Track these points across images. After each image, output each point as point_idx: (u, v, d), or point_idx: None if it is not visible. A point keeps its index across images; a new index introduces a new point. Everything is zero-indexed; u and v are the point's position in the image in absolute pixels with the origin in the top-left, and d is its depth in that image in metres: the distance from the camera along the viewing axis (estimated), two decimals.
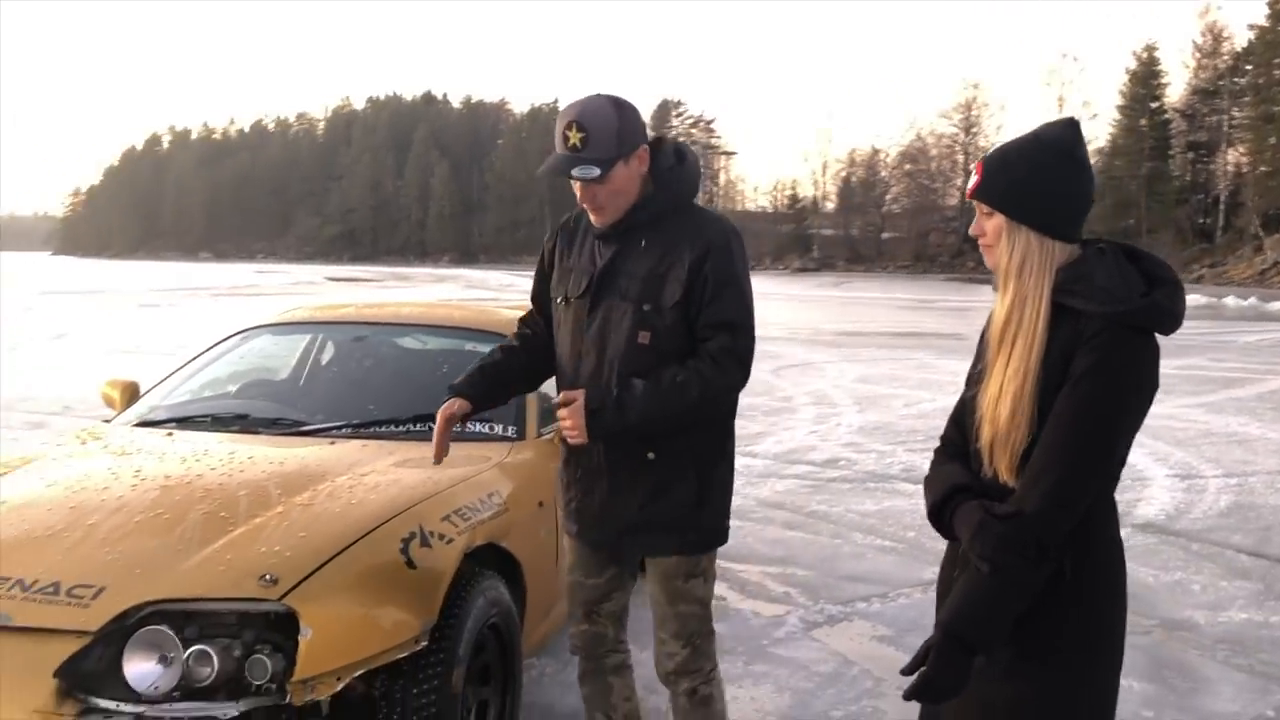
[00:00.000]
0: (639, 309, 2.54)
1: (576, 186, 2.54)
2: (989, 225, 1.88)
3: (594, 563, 2.77)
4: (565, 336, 2.67)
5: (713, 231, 2.58)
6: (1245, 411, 10.68)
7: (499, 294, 35.76)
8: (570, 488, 2.70)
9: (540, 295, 2.82)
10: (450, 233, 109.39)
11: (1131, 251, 1.88)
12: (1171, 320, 1.81)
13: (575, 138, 2.48)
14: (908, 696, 1.82)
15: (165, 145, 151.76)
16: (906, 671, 1.83)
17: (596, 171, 2.48)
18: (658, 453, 2.56)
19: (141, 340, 17.51)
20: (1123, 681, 3.81)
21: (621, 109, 2.53)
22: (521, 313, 4.41)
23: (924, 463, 7.33)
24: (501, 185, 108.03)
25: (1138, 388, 1.79)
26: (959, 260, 66.13)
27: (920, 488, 5.85)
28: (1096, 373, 1.75)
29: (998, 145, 1.98)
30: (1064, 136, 1.88)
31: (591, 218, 2.60)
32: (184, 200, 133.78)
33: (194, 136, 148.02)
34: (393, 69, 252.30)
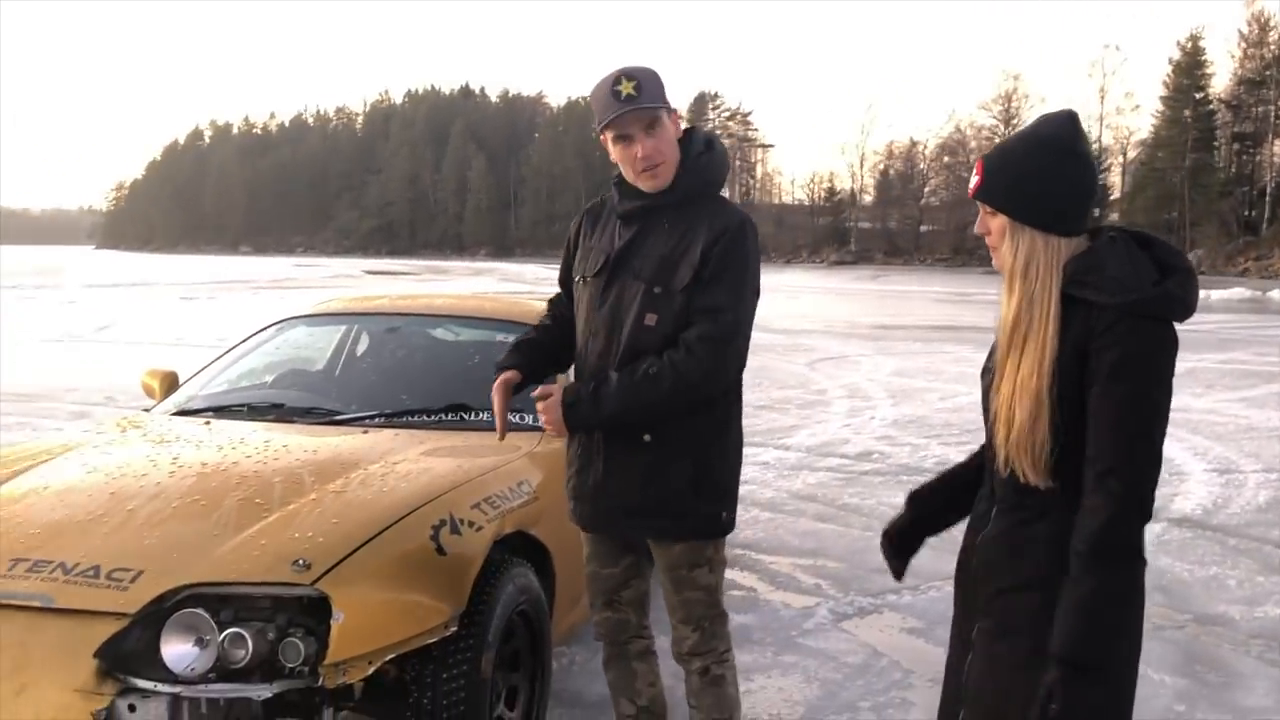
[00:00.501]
0: (649, 290, 2.56)
1: (635, 143, 2.54)
2: (993, 225, 1.89)
3: (609, 552, 2.80)
4: (581, 315, 2.71)
5: (729, 219, 2.60)
6: None
7: (534, 287, 35.89)
8: (570, 465, 2.74)
9: (566, 278, 2.86)
10: (487, 226, 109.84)
11: (1143, 238, 1.87)
12: (1184, 308, 1.80)
13: (628, 87, 2.52)
14: None
15: (206, 139, 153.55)
16: (1039, 715, 1.76)
17: (657, 107, 2.53)
18: (654, 436, 2.57)
19: (183, 332, 17.75)
20: (1154, 675, 3.83)
21: (654, 70, 2.60)
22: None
23: (958, 456, 7.28)
24: (538, 179, 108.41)
25: (1168, 375, 1.79)
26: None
27: None
28: (1127, 368, 1.74)
29: (999, 143, 1.97)
30: (1062, 132, 1.87)
31: (645, 183, 2.59)
32: (224, 194, 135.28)
33: (235, 130, 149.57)
34: (430, 62, 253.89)
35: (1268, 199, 60.07)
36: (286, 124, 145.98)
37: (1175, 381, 1.81)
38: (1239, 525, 6.04)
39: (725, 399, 2.66)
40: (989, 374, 1.94)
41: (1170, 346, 1.79)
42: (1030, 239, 1.84)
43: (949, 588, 4.86)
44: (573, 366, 2.80)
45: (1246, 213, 61.60)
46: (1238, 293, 33.05)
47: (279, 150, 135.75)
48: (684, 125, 2.66)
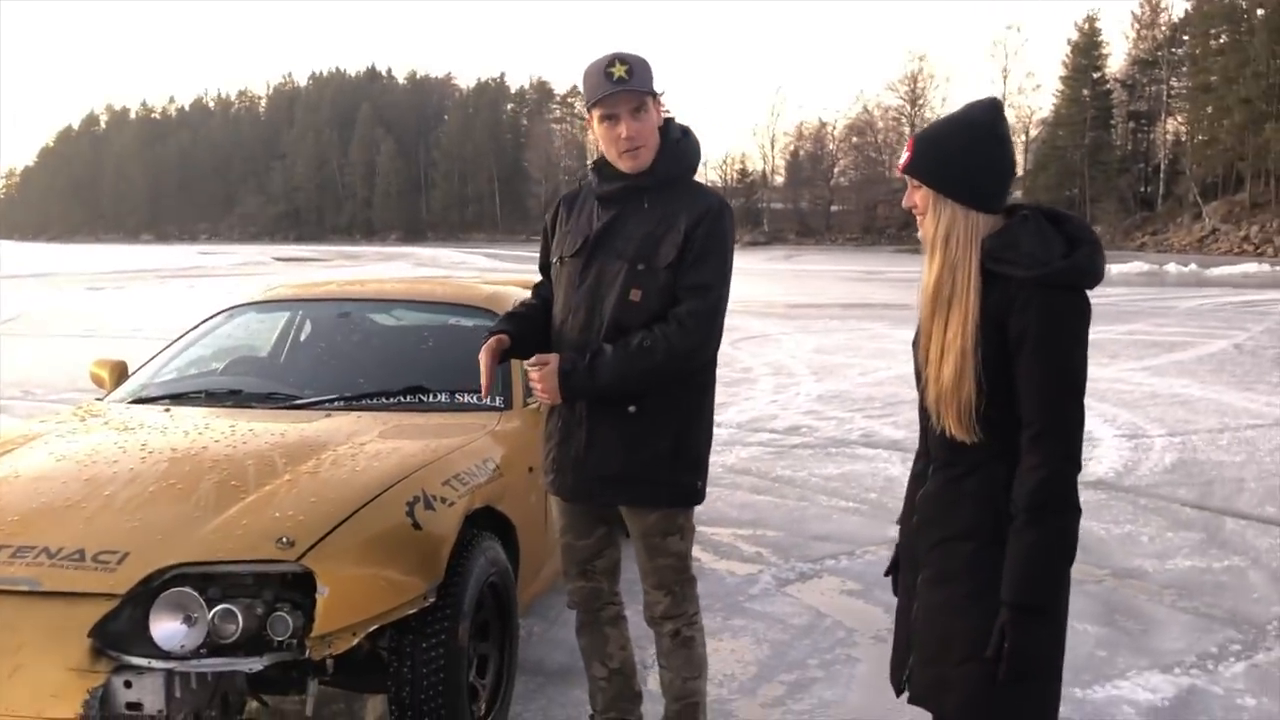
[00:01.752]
0: (633, 268, 2.69)
1: (620, 123, 2.66)
2: (918, 197, 2.07)
3: (583, 524, 2.93)
4: (560, 294, 2.82)
5: (711, 201, 2.78)
6: (1186, 374, 11.05)
7: (450, 272, 35.65)
8: (550, 439, 2.84)
9: (546, 263, 2.97)
10: (397, 210, 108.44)
11: (1053, 215, 2.06)
12: (1092, 277, 1.99)
13: (621, 70, 2.65)
14: (1004, 678, 1.93)
15: (103, 125, 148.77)
16: (990, 657, 1.94)
17: (645, 91, 2.66)
18: (639, 407, 2.70)
19: (94, 324, 17.34)
20: (1078, 625, 4.10)
21: (645, 58, 2.73)
22: (498, 288, 4.57)
23: (882, 428, 7.62)
24: (448, 161, 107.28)
25: (1084, 338, 1.98)
26: (907, 232, 66.84)
27: (879, 452, 6.10)
28: (1046, 336, 1.93)
29: (928, 124, 2.16)
30: (985, 117, 2.06)
31: (626, 163, 2.71)
32: (124, 181, 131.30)
33: (133, 115, 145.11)
34: (335, 44, 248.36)
35: (1162, 175, 62.24)
36: (187, 108, 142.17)
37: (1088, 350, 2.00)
38: (1148, 486, 6.39)
39: (704, 373, 2.81)
40: (917, 341, 2.12)
41: (1083, 311, 1.98)
42: (951, 211, 2.02)
43: (884, 551, 5.14)
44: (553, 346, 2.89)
45: (1142, 189, 63.78)
46: (1135, 266, 34.28)
47: (179, 135, 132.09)
48: (670, 118, 2.79)
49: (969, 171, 2.01)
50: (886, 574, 2.36)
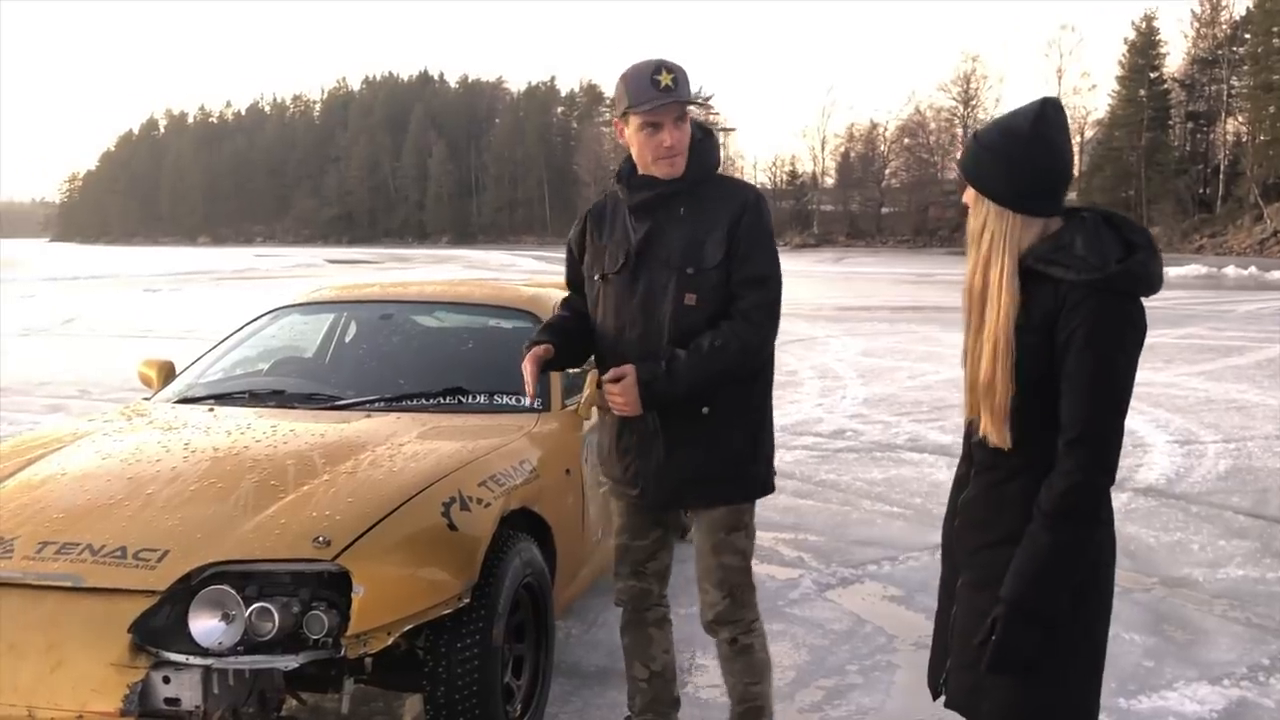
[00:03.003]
0: (682, 273, 2.69)
1: (662, 131, 2.67)
2: (968, 195, 2.05)
3: (642, 525, 2.93)
4: (608, 311, 2.81)
5: (746, 194, 2.79)
6: (1244, 379, 10.83)
7: (500, 274, 35.88)
8: (626, 454, 2.83)
9: (575, 279, 2.97)
10: (448, 213, 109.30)
11: (1111, 218, 2.02)
12: (1147, 284, 1.94)
13: (667, 79, 2.66)
14: (987, 668, 1.94)
15: (161, 129, 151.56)
16: (977, 644, 1.96)
17: (682, 106, 2.66)
18: (711, 407, 2.71)
19: (149, 325, 17.66)
20: (1125, 635, 4.02)
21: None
22: (539, 290, 4.59)
23: (929, 433, 7.53)
24: (499, 165, 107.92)
25: (1133, 349, 1.93)
26: (958, 234, 66.05)
27: (925, 456, 6.04)
28: (1094, 342, 1.88)
29: (990, 120, 2.13)
30: (1028, 121, 2.00)
31: (663, 169, 2.72)
32: (181, 184, 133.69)
33: (190, 120, 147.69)
34: (388, 49, 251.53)
35: (1221, 176, 61.00)
36: (243, 112, 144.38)
37: (1138, 358, 1.96)
38: (1200, 493, 6.27)
39: (766, 366, 2.84)
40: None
41: (1136, 320, 1.93)
42: (987, 210, 1.99)
43: (926, 558, 5.08)
44: (600, 363, 2.88)
45: (1201, 190, 62.52)
46: (1193, 269, 33.64)
47: (235, 139, 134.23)
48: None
49: (1006, 173, 1.98)
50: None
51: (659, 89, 2.64)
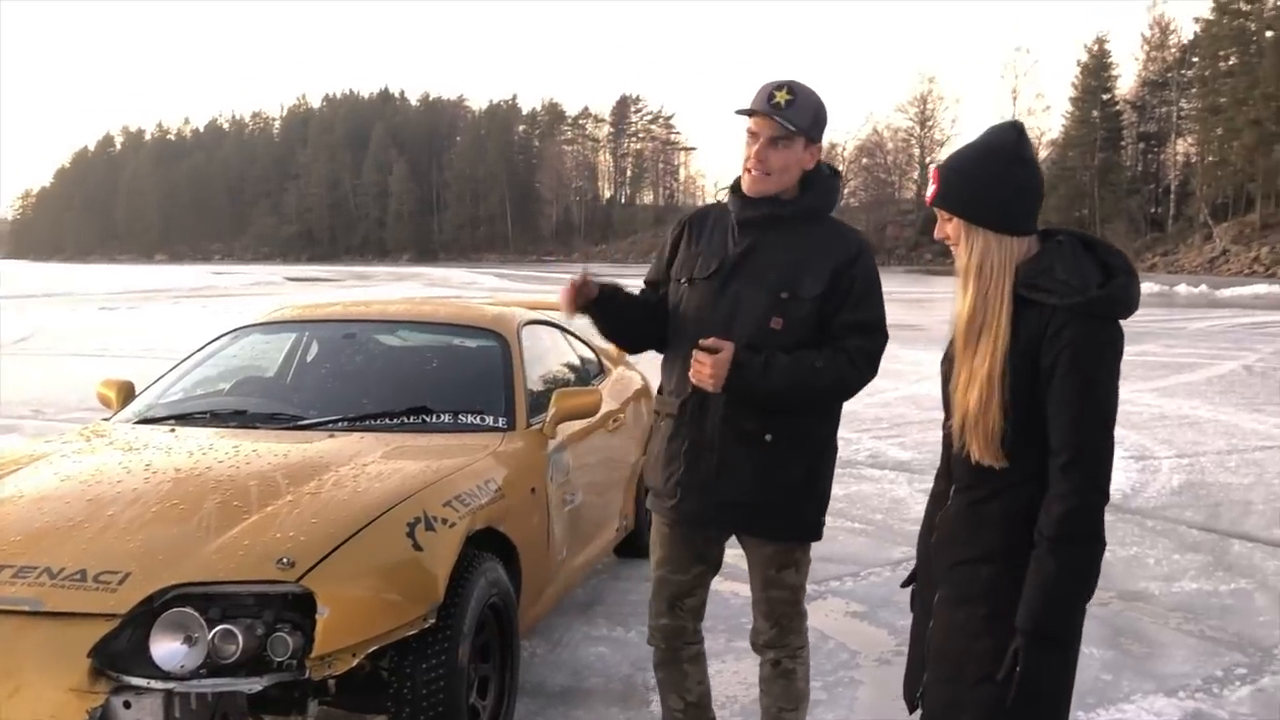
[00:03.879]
0: (776, 296, 2.66)
1: (756, 144, 2.65)
2: (949, 229, 2.07)
3: (684, 559, 2.88)
4: (687, 316, 2.76)
5: (860, 239, 2.79)
6: (1196, 395, 11.02)
7: (461, 292, 35.75)
8: (673, 461, 2.77)
9: (655, 277, 2.93)
10: (409, 231, 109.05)
11: (1087, 241, 2.06)
12: (1126, 308, 1.99)
13: (782, 97, 2.63)
14: (1013, 702, 1.94)
15: (118, 146, 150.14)
16: (1001, 679, 1.96)
17: (792, 128, 2.62)
18: (774, 435, 2.67)
19: (105, 343, 17.42)
20: (1084, 649, 4.04)
21: (823, 104, 2.71)
22: (503, 310, 4.60)
23: (889, 449, 7.58)
24: (461, 183, 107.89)
25: (1116, 369, 1.98)
26: (916, 253, 66.88)
27: (886, 473, 6.09)
28: (1080, 366, 1.92)
29: (951, 153, 2.17)
30: (1008, 140, 2.06)
31: (746, 182, 2.69)
32: (138, 202, 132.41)
33: (148, 137, 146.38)
34: (349, 66, 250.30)
35: (1172, 196, 62.19)
36: (201, 129, 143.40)
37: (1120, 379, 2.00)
38: (1155, 508, 6.37)
39: (837, 410, 2.82)
40: (948, 363, 2.12)
41: (1117, 343, 1.98)
42: (984, 239, 2.01)
43: (888, 573, 5.12)
44: (669, 368, 2.84)
45: (1153, 210, 63.68)
46: (1146, 288, 33.39)
47: (194, 156, 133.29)
48: (818, 161, 2.76)
49: (997, 198, 2.01)
50: (904, 585, 2.37)
51: (769, 103, 2.63)
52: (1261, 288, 35.31)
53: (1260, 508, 6.38)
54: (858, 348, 2.67)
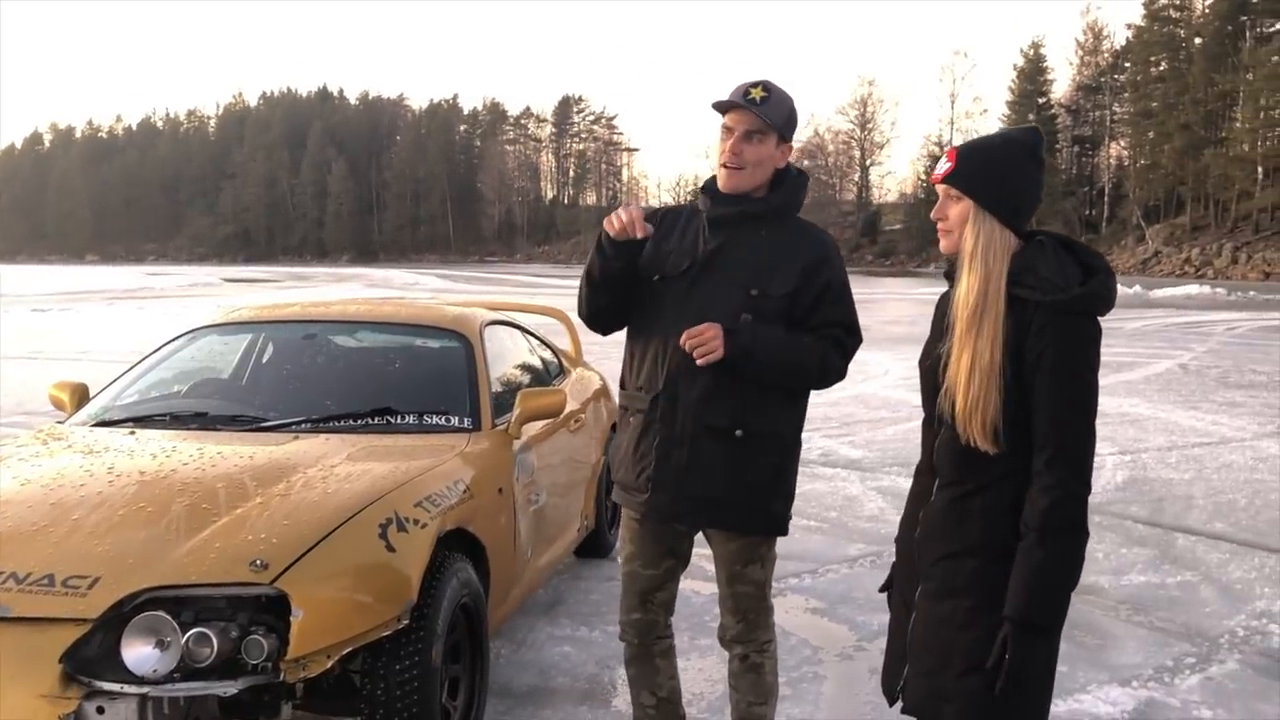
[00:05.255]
0: (746, 293, 2.68)
1: (731, 138, 2.68)
2: (954, 210, 2.09)
3: (654, 554, 2.90)
4: (656, 314, 2.76)
5: (828, 239, 2.85)
6: (1135, 393, 11.28)
7: (403, 293, 35.46)
8: (644, 456, 2.78)
9: None
10: (349, 231, 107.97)
11: (1067, 242, 2.11)
12: (1105, 304, 2.04)
13: (757, 94, 2.67)
14: (1001, 690, 1.98)
15: (47, 144, 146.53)
16: (989, 668, 1.99)
17: (767, 122, 2.66)
18: (745, 431, 2.70)
19: (39, 346, 17.02)
20: None
21: (795, 106, 2.76)
22: (464, 310, 4.59)
23: (840, 448, 7.66)
24: (401, 183, 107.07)
25: (1096, 364, 2.04)
26: (857, 254, 67.57)
27: (838, 471, 6.16)
28: (1063, 361, 1.98)
29: (969, 139, 2.20)
30: (1030, 139, 2.12)
31: (721, 177, 2.72)
32: (68, 201, 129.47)
33: (78, 135, 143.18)
34: (286, 64, 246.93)
35: (1106, 199, 63.51)
36: (134, 127, 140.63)
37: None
38: (1102, 503, 6.51)
39: (803, 406, 2.85)
40: (932, 358, 2.15)
41: (1096, 338, 2.03)
42: (990, 225, 2.05)
43: (845, 570, 5.18)
44: (637, 364, 2.84)
45: (1087, 212, 64.97)
46: None
47: (127, 155, 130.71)
48: (789, 162, 2.81)
49: (1011, 189, 2.06)
50: (882, 590, 2.40)
51: (744, 98, 2.67)
52: (1193, 288, 36.24)
53: (1201, 502, 6.55)
54: (841, 340, 2.74)
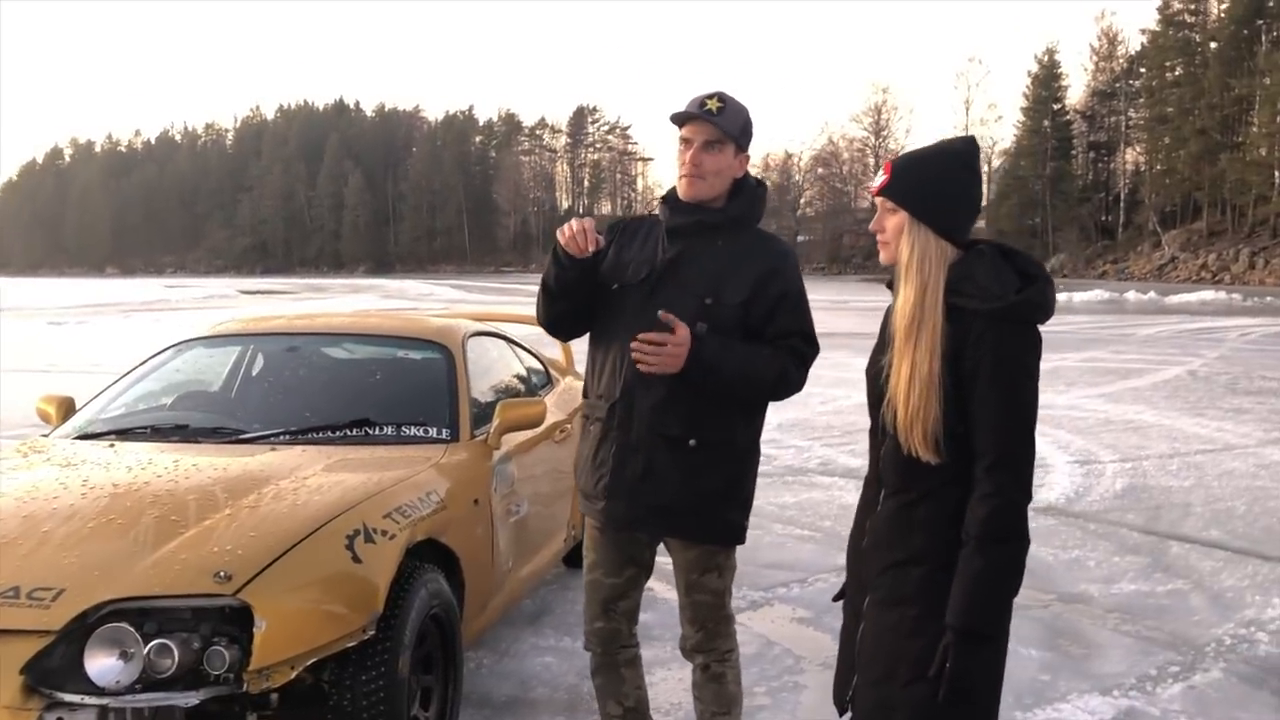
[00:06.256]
0: (701, 301, 2.71)
1: (691, 148, 2.72)
2: (890, 222, 2.11)
3: (615, 562, 2.92)
4: (615, 322, 2.78)
5: (784, 249, 2.88)
6: (1141, 400, 11.22)
7: (417, 304, 35.58)
8: (601, 465, 2.81)
9: None
10: (365, 242, 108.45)
11: (1006, 251, 2.12)
12: (1043, 312, 2.05)
13: (713, 104, 2.71)
14: (944, 698, 1.98)
15: (67, 158, 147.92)
16: (932, 677, 2.00)
17: (724, 133, 2.70)
18: (698, 440, 2.72)
19: (54, 359, 17.17)
20: (1022, 650, 4.16)
21: (750, 116, 2.79)
22: (448, 321, 4.61)
23: (840, 457, 7.64)
24: (417, 194, 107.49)
25: (1035, 371, 2.04)
26: (873, 261, 67.29)
27: (836, 480, 6.17)
28: (1000, 369, 1.98)
29: (905, 151, 2.22)
30: (965, 149, 2.14)
31: (682, 186, 2.75)
32: (88, 215, 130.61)
33: (98, 149, 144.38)
34: (303, 77, 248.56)
35: (1122, 205, 63.18)
36: (153, 141, 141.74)
37: (1040, 380, 2.06)
38: (1098, 511, 6.49)
39: (761, 416, 2.86)
40: (877, 367, 2.16)
41: (1035, 345, 2.04)
42: (925, 236, 2.06)
43: (835, 579, 5.17)
44: (597, 372, 2.86)
45: (1103, 218, 64.65)
46: (1097, 294, 34.72)
47: (145, 168, 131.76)
48: (747, 170, 2.84)
49: (945, 200, 2.07)
50: (835, 599, 2.40)
51: (700, 109, 2.70)
52: (1208, 294, 35.99)
53: (1199, 510, 6.51)
54: (798, 350, 2.76)
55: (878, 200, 2.13)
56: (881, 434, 2.15)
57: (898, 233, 2.10)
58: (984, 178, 2.34)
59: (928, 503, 2.08)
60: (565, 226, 2.72)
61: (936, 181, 2.08)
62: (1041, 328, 2.06)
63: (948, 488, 2.05)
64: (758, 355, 2.70)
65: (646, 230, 2.88)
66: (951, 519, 2.04)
